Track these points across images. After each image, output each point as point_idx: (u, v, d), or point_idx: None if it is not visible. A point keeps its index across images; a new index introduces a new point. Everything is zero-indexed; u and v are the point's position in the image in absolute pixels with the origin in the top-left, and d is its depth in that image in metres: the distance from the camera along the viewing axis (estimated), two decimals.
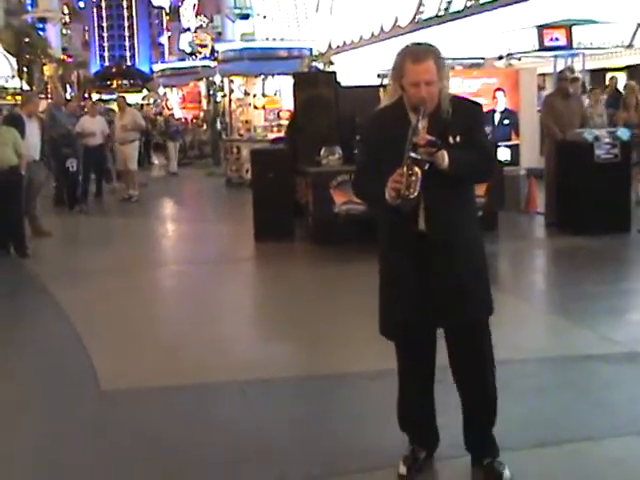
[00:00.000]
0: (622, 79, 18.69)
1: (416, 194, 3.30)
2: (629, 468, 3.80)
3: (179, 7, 55.24)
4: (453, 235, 3.47)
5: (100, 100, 20.56)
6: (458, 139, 3.42)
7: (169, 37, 63.75)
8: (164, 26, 73.66)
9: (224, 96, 25.41)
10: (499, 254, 8.86)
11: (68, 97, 34.40)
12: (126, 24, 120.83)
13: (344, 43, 33.97)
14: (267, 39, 31.88)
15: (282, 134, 15.54)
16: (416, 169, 3.28)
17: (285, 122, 17.46)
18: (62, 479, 3.93)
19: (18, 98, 16.80)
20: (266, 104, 24.17)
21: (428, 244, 3.44)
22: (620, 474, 3.75)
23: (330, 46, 34.30)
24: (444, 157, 3.32)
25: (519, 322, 5.79)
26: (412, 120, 3.40)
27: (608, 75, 18.40)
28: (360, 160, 3.82)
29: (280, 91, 24.40)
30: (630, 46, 17.23)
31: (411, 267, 3.48)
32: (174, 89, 35.84)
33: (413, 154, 3.29)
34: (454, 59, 16.48)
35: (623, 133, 9.90)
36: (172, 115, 27.59)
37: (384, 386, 4.10)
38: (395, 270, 3.55)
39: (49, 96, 25.69)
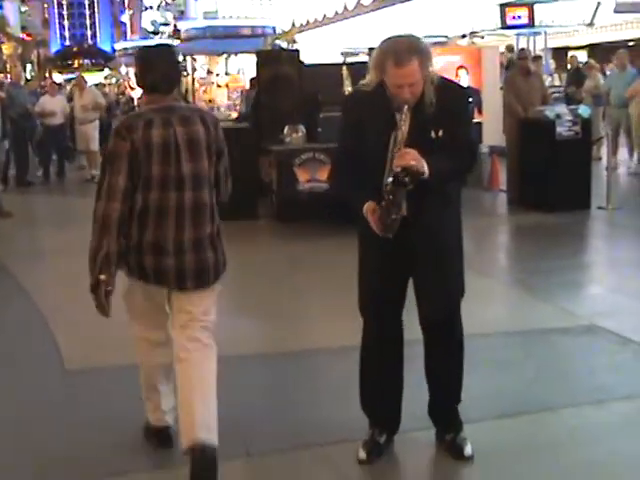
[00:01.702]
0: (583, 57, 18.89)
1: (397, 216, 3.27)
2: (586, 436, 3.90)
3: None
4: (434, 219, 3.44)
5: (59, 84, 20.01)
6: (440, 133, 3.33)
7: (131, 15, 62.94)
8: (126, 4, 72.62)
9: (187, 75, 25.22)
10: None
11: (28, 77, 33.89)
12: (87, 2, 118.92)
13: (307, 22, 33.79)
14: (230, 17, 31.63)
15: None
16: (394, 195, 3.22)
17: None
18: (27, 452, 3.92)
19: None
20: (229, 82, 24.06)
21: (409, 228, 3.39)
22: (577, 442, 3.85)
23: (294, 24, 34.11)
24: (424, 168, 3.23)
25: (481, 297, 5.86)
26: (396, 116, 3.29)
27: (570, 53, 18.57)
28: (340, 148, 3.64)
29: (243, 70, 24.28)
30: (591, 24, 17.39)
31: (388, 252, 3.45)
32: None
33: (389, 183, 3.22)
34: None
35: (584, 110, 10.01)
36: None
37: (349, 362, 4.14)
38: (373, 253, 3.54)
39: (8, 75, 25.28)
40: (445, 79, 3.48)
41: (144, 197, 3.44)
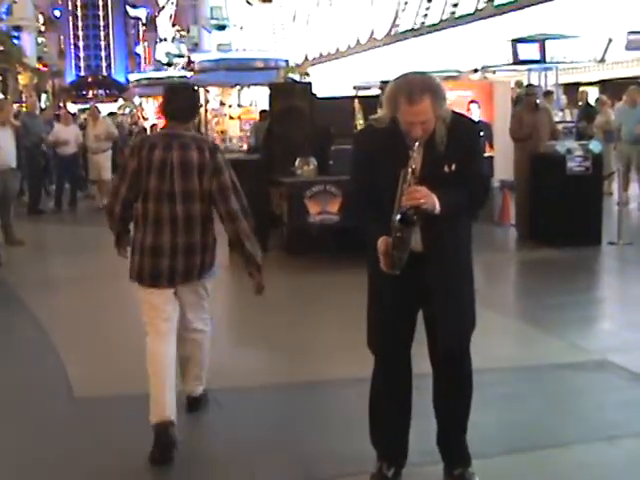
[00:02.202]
0: (594, 94, 18.94)
1: (404, 254, 3.26)
2: (597, 473, 3.86)
3: (155, 17, 55.25)
4: (446, 253, 3.44)
5: (73, 114, 20.08)
6: (453, 167, 3.35)
7: (145, 47, 63.66)
8: (140, 36, 73.44)
9: (200, 106, 25.41)
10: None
11: (43, 106, 34.20)
12: (102, 34, 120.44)
13: (320, 55, 34.11)
14: (244, 50, 31.94)
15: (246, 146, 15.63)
16: (402, 232, 3.22)
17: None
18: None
19: None
20: (242, 114, 24.24)
21: (420, 262, 3.39)
22: (587, 479, 3.81)
23: (306, 57, 34.43)
24: (435, 205, 3.25)
25: (492, 332, 5.84)
26: (409, 151, 3.28)
27: (581, 89, 18.60)
28: (352, 182, 3.62)
29: (256, 102, 24.45)
30: (602, 61, 17.48)
31: (400, 287, 3.45)
32: (150, 99, 35.76)
33: (397, 221, 3.21)
34: (430, 72, 16.66)
35: (595, 146, 10.02)
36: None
37: (357, 393, 4.12)
38: (383, 289, 3.53)
39: (24, 105, 25.52)
40: (457, 114, 3.49)
41: (143, 206, 4.19)
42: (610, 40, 16.91)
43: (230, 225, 4.27)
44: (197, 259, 4.25)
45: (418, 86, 3.26)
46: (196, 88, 4.66)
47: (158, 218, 4.15)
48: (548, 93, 16.13)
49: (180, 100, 4.34)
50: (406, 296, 3.49)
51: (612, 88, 20.03)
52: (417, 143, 3.30)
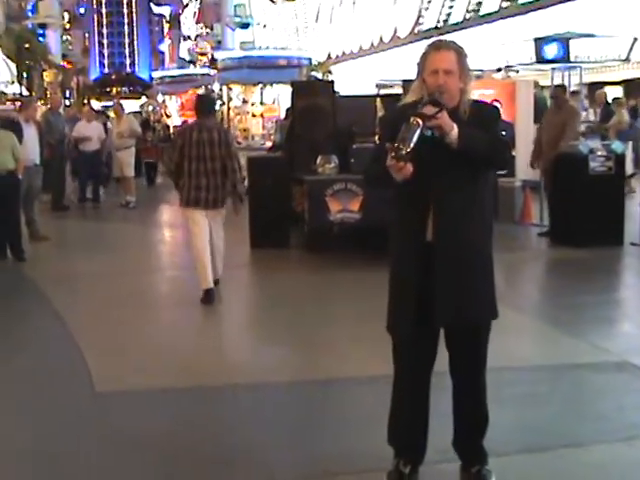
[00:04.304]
0: (619, 93, 18.80)
1: (409, 150, 3.21)
2: (614, 474, 3.86)
3: (180, 15, 55.43)
4: (461, 245, 3.46)
5: (98, 112, 20.10)
6: None
7: (169, 45, 63.84)
8: (164, 34, 73.67)
9: (223, 104, 25.43)
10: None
11: (67, 103, 34.43)
12: (126, 31, 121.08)
13: (343, 53, 34.11)
14: (267, 48, 31.94)
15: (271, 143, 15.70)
16: (418, 120, 3.22)
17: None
18: (55, 477, 3.97)
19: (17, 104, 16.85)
20: (264, 112, 24.28)
21: (436, 254, 3.43)
22: (606, 479, 3.81)
23: (329, 56, 34.43)
24: (453, 127, 3.31)
25: (511, 331, 5.83)
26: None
27: (605, 89, 18.48)
28: (373, 154, 3.70)
29: (278, 100, 24.49)
30: (627, 60, 17.34)
31: (418, 276, 3.47)
32: (173, 97, 35.86)
33: (411, 114, 3.26)
34: None
35: (617, 146, 9.97)
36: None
37: (374, 391, 4.14)
38: (402, 278, 3.55)
39: (48, 102, 25.70)
40: (479, 100, 3.67)
41: (188, 165, 7.31)
42: (635, 39, 16.77)
43: (232, 175, 7.35)
44: (220, 193, 7.38)
45: (446, 41, 3.59)
46: (212, 96, 8.18)
47: (198, 171, 7.27)
48: (574, 93, 15.99)
49: (205, 103, 7.91)
50: (422, 278, 3.47)
51: (636, 87, 19.88)
52: (437, 94, 3.36)
